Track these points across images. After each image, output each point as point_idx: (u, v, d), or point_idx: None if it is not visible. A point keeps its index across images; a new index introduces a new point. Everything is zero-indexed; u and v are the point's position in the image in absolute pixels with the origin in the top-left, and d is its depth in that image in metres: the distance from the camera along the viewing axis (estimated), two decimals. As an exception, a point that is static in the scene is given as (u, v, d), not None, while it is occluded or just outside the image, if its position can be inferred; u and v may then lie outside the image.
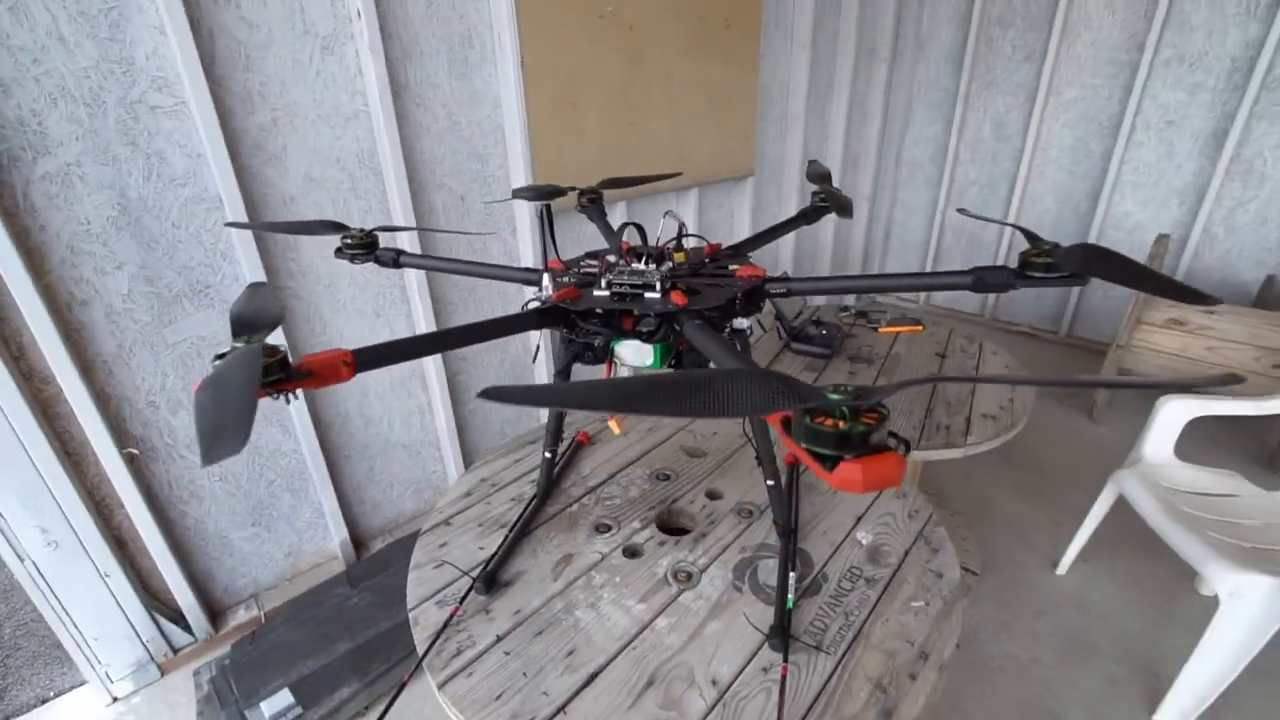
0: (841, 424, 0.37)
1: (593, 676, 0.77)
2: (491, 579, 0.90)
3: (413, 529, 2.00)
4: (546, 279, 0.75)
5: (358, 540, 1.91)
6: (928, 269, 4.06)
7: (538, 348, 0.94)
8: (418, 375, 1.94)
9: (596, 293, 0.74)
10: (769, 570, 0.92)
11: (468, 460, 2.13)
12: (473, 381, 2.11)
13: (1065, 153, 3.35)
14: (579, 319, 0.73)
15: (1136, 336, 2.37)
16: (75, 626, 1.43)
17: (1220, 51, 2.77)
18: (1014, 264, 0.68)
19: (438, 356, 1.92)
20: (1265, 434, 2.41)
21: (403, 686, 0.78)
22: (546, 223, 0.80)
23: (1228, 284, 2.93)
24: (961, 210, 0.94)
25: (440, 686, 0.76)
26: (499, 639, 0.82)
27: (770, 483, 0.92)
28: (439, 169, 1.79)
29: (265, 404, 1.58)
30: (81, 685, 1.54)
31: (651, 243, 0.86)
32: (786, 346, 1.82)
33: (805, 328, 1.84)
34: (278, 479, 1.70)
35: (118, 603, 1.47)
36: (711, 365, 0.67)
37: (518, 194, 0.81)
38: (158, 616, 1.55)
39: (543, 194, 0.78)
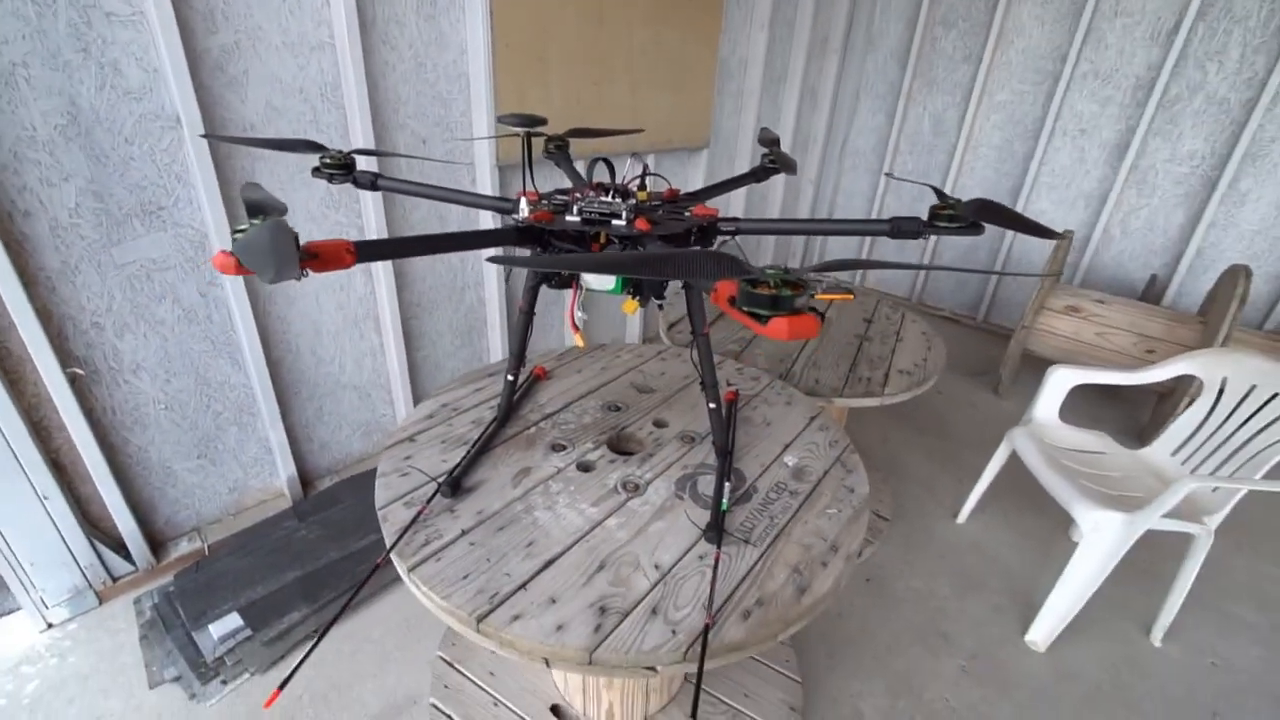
0: (774, 290, 0.48)
1: (550, 562, 0.86)
2: (456, 484, 0.97)
3: (361, 470, 2.03)
4: (524, 203, 0.83)
5: (305, 479, 1.93)
6: (865, 250, 4.32)
7: (509, 274, 0.99)
8: (371, 318, 1.96)
9: (569, 218, 0.82)
10: (708, 483, 1.04)
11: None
12: (425, 328, 2.14)
13: (993, 151, 3.62)
14: (552, 238, 0.81)
15: (1039, 320, 2.65)
16: (10, 549, 1.40)
17: (1128, 70, 3.07)
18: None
19: (393, 299, 1.93)
20: (1138, 410, 2.76)
21: (376, 568, 0.85)
22: (526, 152, 0.86)
23: (1119, 280, 3.28)
24: (888, 174, 1.06)
25: (411, 570, 0.84)
26: (464, 533, 0.90)
27: (712, 406, 1.04)
28: (403, 109, 1.79)
29: (215, 333, 1.57)
30: (15, 611, 1.51)
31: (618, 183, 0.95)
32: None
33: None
34: (225, 411, 1.69)
35: (55, 527, 1.45)
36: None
37: (502, 120, 0.85)
38: (97, 544, 1.53)
39: (525, 122, 0.84)
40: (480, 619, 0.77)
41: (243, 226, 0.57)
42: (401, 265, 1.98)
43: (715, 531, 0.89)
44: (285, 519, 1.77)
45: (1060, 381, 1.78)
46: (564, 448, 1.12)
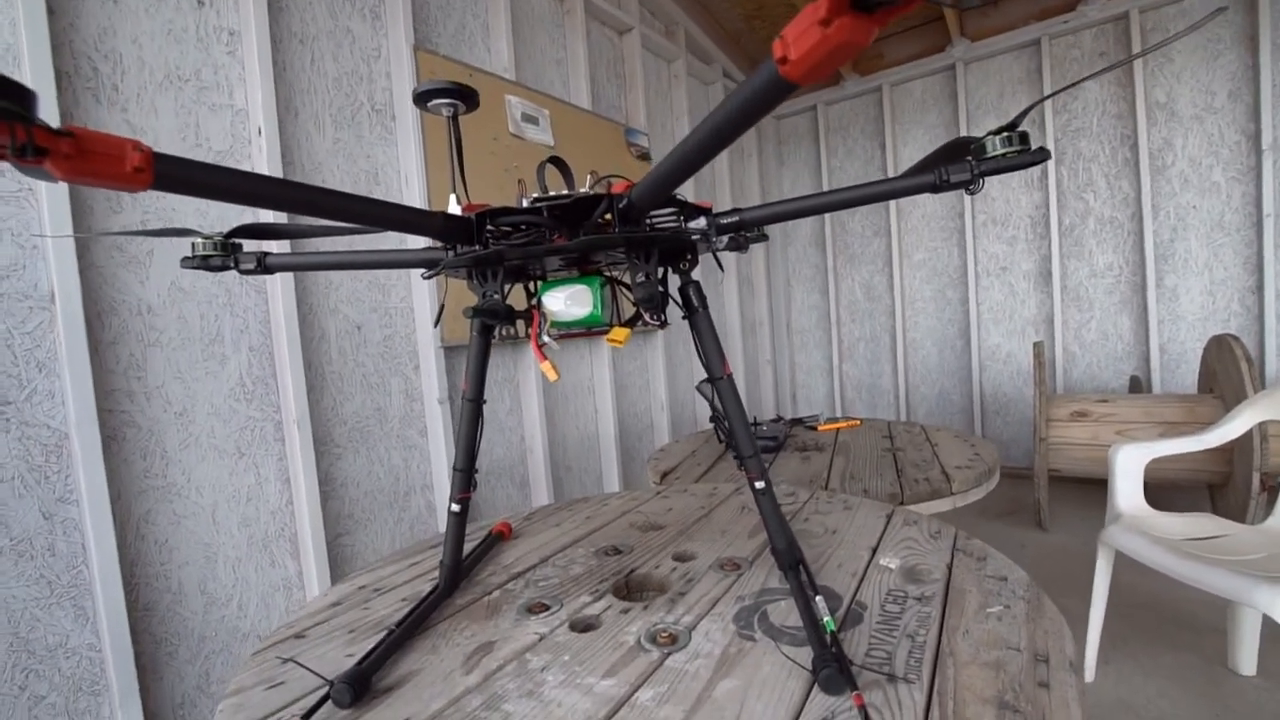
0: None
1: (542, 787, 0.44)
2: (362, 682, 0.56)
3: (259, 769, 1.39)
4: (453, 199, 0.61)
5: (168, 795, 1.29)
6: (838, 413, 4.19)
7: (441, 308, 0.73)
8: (288, 536, 1.54)
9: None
10: (783, 613, 0.65)
11: (350, 655, 1.62)
12: (359, 547, 1.71)
13: (929, 302, 3.80)
14: (495, 223, 0.57)
15: (1052, 432, 2.44)
16: None
17: (1020, 213, 3.43)
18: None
19: (316, 511, 1.55)
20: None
21: None
22: (453, 138, 0.67)
23: (1100, 390, 3.21)
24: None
25: None
26: (372, 764, 0.47)
27: (759, 485, 0.70)
28: (334, 294, 1.66)
29: (57, 570, 1.15)
30: None
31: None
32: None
33: (745, 428, 1.71)
34: (52, 693, 1.15)
35: None
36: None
37: (422, 97, 0.65)
38: None
39: (453, 93, 0.65)
40: None
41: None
42: (329, 468, 1.64)
43: (837, 665, 0.50)
44: None
45: (1129, 460, 1.50)
46: (546, 608, 0.72)
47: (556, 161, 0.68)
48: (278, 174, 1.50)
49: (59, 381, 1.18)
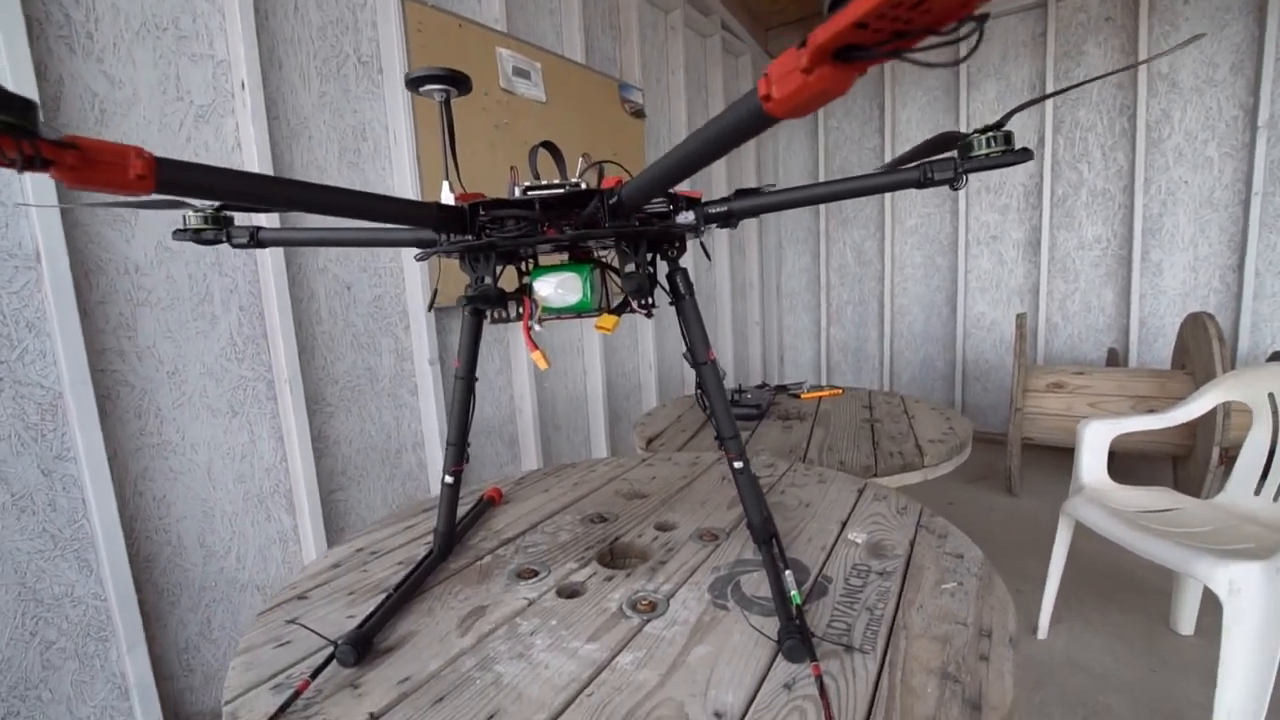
0: None
1: (530, 741, 0.49)
2: (364, 643, 0.60)
3: (262, 708, 1.48)
4: (445, 187, 0.61)
5: (175, 731, 1.37)
6: (822, 382, 4.27)
7: (434, 292, 0.76)
8: (282, 492, 1.58)
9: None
10: (755, 584, 0.70)
11: (346, 604, 1.69)
12: (353, 502, 1.76)
13: (918, 269, 3.82)
14: (488, 213, 0.58)
15: (1028, 402, 2.51)
16: None
17: (1014, 181, 3.41)
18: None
19: (310, 467, 1.58)
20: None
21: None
22: (445, 123, 0.68)
23: (1079, 362, 3.28)
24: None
25: (266, 808, 0.45)
26: (374, 717, 0.52)
27: (737, 465, 0.74)
28: (323, 253, 1.65)
29: (59, 524, 1.18)
30: None
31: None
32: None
33: (731, 397, 1.76)
34: (61, 639, 1.21)
35: None
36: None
37: (414, 82, 0.65)
38: None
39: (445, 79, 0.65)
40: None
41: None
42: (322, 427, 1.67)
43: (800, 636, 0.55)
44: (132, 802, 1.19)
45: (1096, 436, 1.56)
46: (535, 573, 0.77)
47: (549, 146, 0.69)
48: (263, 129, 1.47)
49: (50, 341, 1.18)
